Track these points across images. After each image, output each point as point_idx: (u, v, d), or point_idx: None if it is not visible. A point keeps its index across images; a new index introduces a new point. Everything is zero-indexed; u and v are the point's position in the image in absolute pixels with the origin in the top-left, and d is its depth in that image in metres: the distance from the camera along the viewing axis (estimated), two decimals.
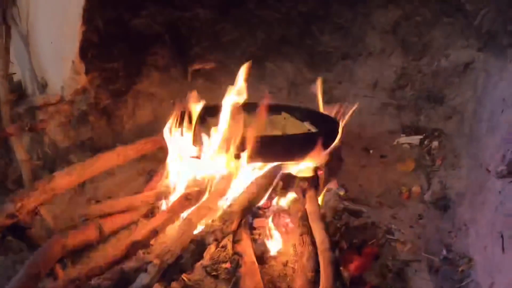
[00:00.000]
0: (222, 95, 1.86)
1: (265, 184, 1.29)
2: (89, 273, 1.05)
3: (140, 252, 1.16)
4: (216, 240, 1.13)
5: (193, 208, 1.24)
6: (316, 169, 1.44)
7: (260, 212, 1.35)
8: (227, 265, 1.13)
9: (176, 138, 1.41)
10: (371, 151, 1.82)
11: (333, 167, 1.57)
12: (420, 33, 1.84)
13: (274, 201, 1.38)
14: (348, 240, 1.27)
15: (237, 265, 1.11)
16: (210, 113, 1.43)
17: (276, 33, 1.98)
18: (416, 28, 1.84)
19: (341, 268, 1.12)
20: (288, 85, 2.01)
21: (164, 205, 1.35)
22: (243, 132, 1.31)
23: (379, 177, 1.68)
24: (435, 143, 1.77)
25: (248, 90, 1.89)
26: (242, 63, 1.90)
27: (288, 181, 1.38)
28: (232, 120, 1.28)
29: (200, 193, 1.28)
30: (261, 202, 1.35)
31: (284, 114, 1.63)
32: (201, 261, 1.10)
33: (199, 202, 1.26)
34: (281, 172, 1.37)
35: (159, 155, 1.68)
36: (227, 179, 1.28)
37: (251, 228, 1.31)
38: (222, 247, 1.17)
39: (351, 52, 1.93)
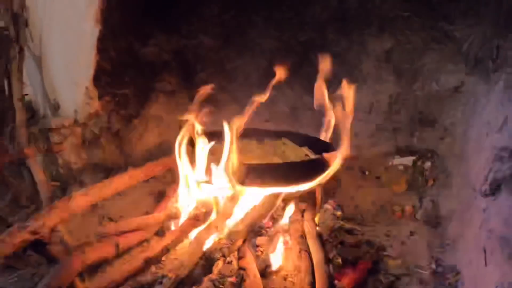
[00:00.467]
0: (225, 119, 2.00)
1: (267, 205, 1.40)
2: (107, 286, 1.15)
3: (153, 267, 1.27)
4: (223, 256, 1.22)
5: (201, 227, 1.34)
6: (314, 191, 1.54)
7: (263, 231, 1.44)
8: (233, 279, 1.21)
9: (185, 163, 1.50)
10: (366, 173, 1.90)
11: (330, 188, 1.69)
12: (412, 60, 1.94)
13: (276, 221, 1.47)
14: (343, 257, 1.33)
15: (241, 279, 1.19)
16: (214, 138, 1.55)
17: (277, 61, 1.93)
18: (408, 55, 1.94)
19: (335, 281, 1.22)
20: (289, 110, 2.09)
21: (173, 225, 1.45)
22: (244, 160, 1.42)
23: (374, 197, 1.77)
24: (427, 164, 1.85)
25: (251, 114, 2.05)
26: (245, 89, 2.05)
27: (288, 202, 1.48)
28: (232, 148, 1.36)
29: (208, 214, 1.39)
30: (264, 222, 1.44)
31: (284, 140, 1.71)
32: (209, 275, 1.18)
33: (207, 222, 1.37)
34: (282, 194, 1.46)
35: (167, 176, 1.81)
36: (232, 202, 1.37)
37: (254, 245, 1.40)
38: (228, 262, 1.26)
39: (348, 78, 1.85)
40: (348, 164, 1.88)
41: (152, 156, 1.93)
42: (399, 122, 1.97)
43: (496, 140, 1.44)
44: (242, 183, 1.38)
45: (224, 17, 2.11)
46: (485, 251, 1.22)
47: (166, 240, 1.29)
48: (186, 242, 1.35)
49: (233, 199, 1.38)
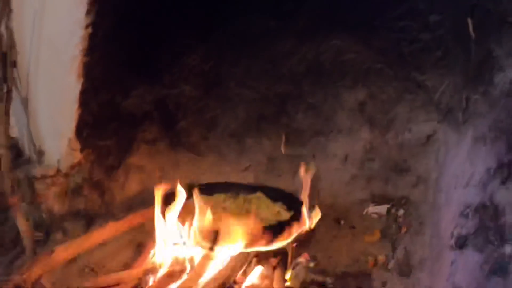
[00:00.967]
0: (204, 167, 2.07)
1: (239, 262, 1.42)
2: None
3: None
4: None
5: (176, 284, 1.36)
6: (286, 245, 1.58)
7: (235, 286, 1.45)
8: None
9: (161, 223, 1.55)
10: (342, 222, 1.92)
11: (305, 239, 1.68)
12: (385, 110, 2.01)
13: (247, 277, 1.49)
14: None
15: None
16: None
17: (255, 111, 2.14)
18: (381, 106, 2.02)
19: None
20: (266, 160, 2.12)
21: (151, 280, 1.45)
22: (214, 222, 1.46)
23: (347, 247, 1.79)
24: (401, 211, 1.89)
25: (229, 164, 2.13)
26: (224, 138, 2.12)
27: (261, 257, 1.51)
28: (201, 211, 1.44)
29: (182, 271, 1.40)
30: (236, 278, 1.46)
31: (259, 194, 1.75)
32: None
33: (181, 280, 1.39)
34: (254, 251, 1.50)
35: (147, 226, 1.78)
36: (205, 260, 1.40)
37: None
38: None
39: (323, 129, 2.07)
40: (323, 214, 1.96)
41: (133, 203, 1.98)
42: (374, 170, 2.02)
43: (462, 196, 1.49)
44: (214, 242, 1.42)
45: (205, 67, 2.16)
46: None
47: None
48: None
49: (206, 257, 1.41)
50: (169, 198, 1.57)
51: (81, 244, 1.56)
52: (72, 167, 1.82)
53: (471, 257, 1.30)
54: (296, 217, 1.61)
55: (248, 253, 1.50)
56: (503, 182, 1.28)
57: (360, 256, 1.75)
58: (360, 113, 2.04)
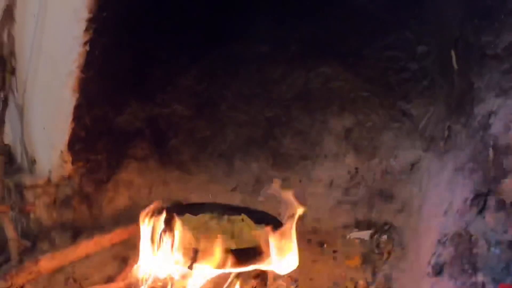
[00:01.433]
0: (193, 186, 2.12)
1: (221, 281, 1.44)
2: None
3: None
4: None
5: None
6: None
7: None
8: None
9: (146, 239, 1.53)
10: (324, 246, 1.92)
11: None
12: (371, 137, 2.06)
13: None
14: None
15: None
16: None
17: (244, 134, 2.18)
18: (367, 133, 2.06)
19: None
20: (254, 182, 2.14)
21: None
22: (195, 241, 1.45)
23: (329, 271, 1.78)
24: (384, 237, 1.90)
25: (217, 184, 2.15)
26: (213, 159, 2.15)
27: (241, 278, 1.49)
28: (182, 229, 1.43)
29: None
30: None
31: (243, 216, 1.72)
32: None
33: None
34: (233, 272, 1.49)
35: (132, 241, 1.86)
36: (185, 278, 1.40)
37: None
38: None
39: (309, 154, 2.10)
40: (307, 237, 1.95)
41: (121, 218, 1.97)
42: (359, 196, 2.04)
43: (440, 224, 1.52)
44: (193, 261, 1.40)
45: (197, 88, 2.22)
46: None
47: None
48: None
49: (185, 276, 1.41)
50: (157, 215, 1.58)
51: (67, 254, 1.57)
52: (63, 178, 1.82)
53: (446, 285, 1.32)
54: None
55: (228, 274, 1.48)
56: (479, 213, 1.31)
57: (340, 280, 1.74)
58: (346, 139, 2.07)
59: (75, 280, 1.66)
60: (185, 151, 2.21)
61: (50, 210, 1.85)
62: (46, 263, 1.49)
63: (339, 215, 2.06)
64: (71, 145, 1.78)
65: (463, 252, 1.28)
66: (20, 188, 1.84)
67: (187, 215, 1.65)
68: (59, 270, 1.63)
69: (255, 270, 1.52)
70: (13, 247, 1.66)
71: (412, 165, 1.94)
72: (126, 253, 1.79)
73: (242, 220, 1.76)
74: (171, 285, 1.44)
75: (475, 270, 1.21)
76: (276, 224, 1.69)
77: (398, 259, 1.78)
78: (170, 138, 2.19)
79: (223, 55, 2.16)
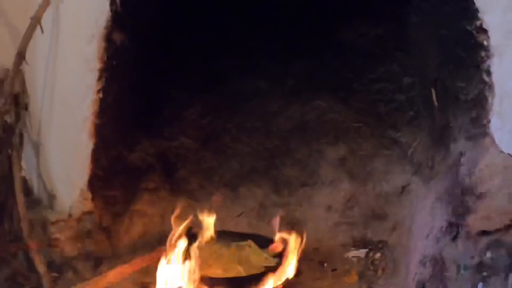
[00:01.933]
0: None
1: None
2: None
3: None
4: None
5: None
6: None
7: None
8: None
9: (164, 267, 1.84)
10: (325, 265, 2.17)
11: (290, 281, 1.92)
12: (364, 164, 2.28)
13: None
14: None
15: None
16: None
17: (247, 164, 2.41)
18: (360, 160, 2.29)
19: None
20: (258, 207, 2.37)
21: None
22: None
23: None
24: (378, 254, 2.14)
25: (224, 210, 2.40)
26: (220, 187, 2.41)
27: None
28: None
29: None
30: None
31: (249, 242, 2.01)
32: None
33: None
34: None
35: (150, 268, 2.02)
36: None
37: None
38: None
39: (308, 181, 2.33)
40: (309, 257, 2.17)
41: (137, 245, 2.21)
42: (355, 217, 2.27)
43: (423, 245, 1.77)
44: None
45: (202, 122, 2.44)
46: None
47: None
48: None
49: None
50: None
51: (96, 284, 1.83)
52: (84, 213, 2.06)
53: None
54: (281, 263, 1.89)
55: None
56: (452, 240, 1.55)
57: None
58: (341, 167, 2.31)
59: None
60: (193, 180, 2.43)
61: (73, 242, 2.08)
62: None
63: (338, 235, 2.28)
64: (90, 184, 2.02)
65: (437, 274, 1.53)
66: (43, 223, 2.07)
67: (202, 244, 1.91)
68: None
69: None
70: (45, 280, 1.90)
71: (403, 187, 2.18)
72: (145, 279, 2.04)
73: (249, 246, 2.04)
74: None
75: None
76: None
77: (391, 275, 2.02)
78: (179, 169, 2.43)
79: (225, 91, 2.38)
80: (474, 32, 1.50)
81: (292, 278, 1.90)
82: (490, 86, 1.49)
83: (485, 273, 1.37)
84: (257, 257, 1.97)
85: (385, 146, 2.26)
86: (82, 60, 1.94)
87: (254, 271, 1.87)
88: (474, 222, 1.42)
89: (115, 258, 2.14)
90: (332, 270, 2.17)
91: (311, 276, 2.13)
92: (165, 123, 2.40)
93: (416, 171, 2.12)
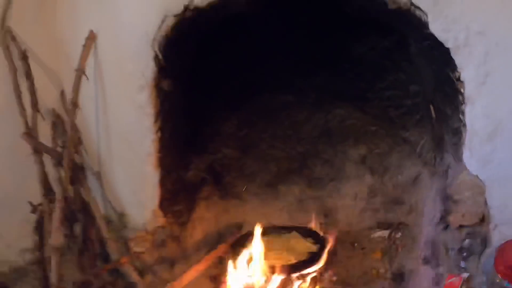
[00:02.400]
0: (248, 211, 3.32)
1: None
2: None
3: None
4: None
5: None
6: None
7: None
8: None
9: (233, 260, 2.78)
10: (355, 245, 3.12)
11: (330, 260, 2.87)
12: (381, 161, 3.25)
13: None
14: None
15: None
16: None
17: (283, 166, 3.39)
18: (378, 158, 3.26)
19: None
20: (296, 201, 3.35)
21: None
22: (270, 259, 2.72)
23: (359, 264, 2.97)
24: (398, 234, 3.07)
25: (267, 206, 3.40)
26: (262, 187, 3.37)
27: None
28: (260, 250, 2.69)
29: None
30: None
31: (293, 233, 2.96)
32: None
33: None
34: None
35: (216, 262, 3.03)
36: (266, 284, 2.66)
37: None
38: None
39: (336, 177, 3.34)
40: (342, 239, 3.11)
41: (199, 245, 3.21)
42: (377, 204, 3.23)
43: (427, 231, 2.73)
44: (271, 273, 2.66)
45: (240, 134, 3.40)
46: None
47: None
48: None
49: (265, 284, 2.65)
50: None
51: (182, 282, 2.75)
52: (157, 228, 3.02)
53: (428, 271, 2.55)
54: (321, 248, 2.85)
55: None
56: (444, 229, 2.51)
57: (367, 269, 2.98)
58: (362, 163, 3.29)
59: None
60: (238, 184, 3.42)
61: (151, 251, 3.04)
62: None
63: (364, 219, 3.24)
64: (161, 205, 2.97)
65: (434, 253, 2.51)
66: (125, 240, 3.06)
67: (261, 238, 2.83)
68: None
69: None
70: (140, 286, 2.88)
71: (415, 178, 3.07)
72: (214, 272, 3.01)
73: (294, 236, 3.02)
74: None
75: (438, 264, 2.44)
76: (316, 236, 2.98)
77: (409, 250, 2.96)
78: (225, 176, 3.42)
79: (256, 105, 3.33)
80: (454, 80, 2.26)
81: (330, 257, 2.88)
82: (464, 125, 2.27)
83: (464, 254, 2.35)
84: (301, 245, 2.93)
85: (398, 144, 3.17)
86: (136, 106, 2.76)
87: (301, 258, 2.76)
88: (454, 219, 2.38)
89: (184, 259, 3.13)
90: (361, 249, 3.15)
91: (345, 255, 3.11)
92: (208, 140, 3.37)
93: (424, 164, 3.03)
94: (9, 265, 3.08)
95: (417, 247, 2.92)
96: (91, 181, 3.07)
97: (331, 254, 2.89)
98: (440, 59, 2.35)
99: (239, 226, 3.27)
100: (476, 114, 2.26)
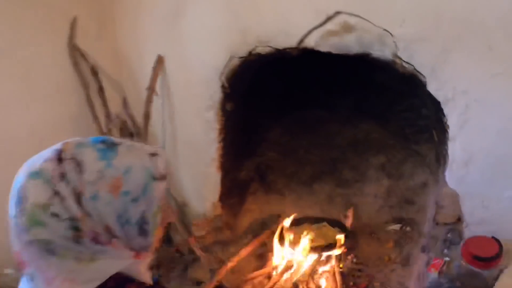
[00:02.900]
0: (287, 204, 4.48)
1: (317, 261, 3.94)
2: None
3: None
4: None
5: (289, 273, 3.89)
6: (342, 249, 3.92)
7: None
8: None
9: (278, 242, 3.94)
10: (373, 235, 4.11)
11: (352, 247, 4.00)
12: (397, 168, 4.21)
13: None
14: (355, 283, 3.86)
15: None
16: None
17: (317, 169, 4.51)
18: (394, 166, 4.24)
19: None
20: (327, 198, 4.41)
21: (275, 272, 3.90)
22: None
23: (375, 250, 3.97)
24: (408, 228, 3.98)
25: (303, 201, 4.67)
26: (299, 185, 4.48)
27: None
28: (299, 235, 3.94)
29: (291, 267, 3.91)
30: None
31: (324, 223, 4.03)
32: None
33: (292, 270, 3.92)
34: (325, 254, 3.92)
35: (263, 245, 4.26)
36: (302, 261, 3.88)
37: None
38: None
39: (360, 179, 4.37)
40: (362, 230, 4.18)
41: (247, 232, 4.40)
42: (392, 202, 4.19)
43: (429, 226, 4.19)
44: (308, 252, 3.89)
45: (282, 141, 4.58)
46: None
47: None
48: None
49: (302, 260, 3.83)
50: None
51: (237, 258, 4.05)
52: (215, 216, 4.25)
53: (424, 257, 4.03)
54: (346, 236, 4.00)
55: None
56: (435, 225, 4.02)
57: (382, 255, 3.95)
58: (382, 170, 4.35)
59: (236, 271, 4.12)
60: (279, 182, 4.57)
61: (210, 235, 4.31)
62: (231, 264, 4.01)
63: (382, 215, 4.23)
64: (220, 198, 4.22)
65: (428, 243, 4.00)
66: (187, 226, 4.44)
67: (300, 226, 4.01)
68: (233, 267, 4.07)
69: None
70: (205, 263, 4.13)
71: (424, 184, 3.98)
72: (261, 251, 4.13)
73: (325, 226, 4.17)
74: (298, 266, 3.81)
75: (429, 251, 3.90)
76: (342, 226, 4.15)
77: (416, 242, 4.00)
78: (269, 175, 4.61)
79: (297, 118, 4.54)
80: (444, 123, 3.04)
81: (351, 245, 4.09)
82: (447, 154, 3.15)
83: (447, 244, 3.79)
84: (330, 233, 4.08)
85: (411, 156, 4.19)
86: (204, 121, 3.99)
87: (330, 241, 3.85)
88: (440, 218, 3.71)
89: (235, 242, 4.37)
90: (378, 239, 4.23)
91: (364, 243, 4.14)
92: (256, 145, 4.58)
93: (430, 173, 3.86)
94: None
95: (421, 239, 4.06)
96: None
97: (353, 241, 4.11)
98: (435, 107, 3.20)
99: (279, 217, 4.34)
100: (456, 147, 3.12)
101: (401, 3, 3.06)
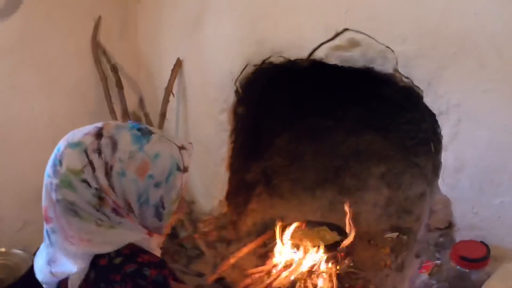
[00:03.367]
0: (290, 208, 4.88)
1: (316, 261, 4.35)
2: None
3: None
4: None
5: (288, 270, 4.27)
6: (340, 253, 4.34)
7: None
8: None
9: (279, 242, 4.33)
10: (371, 242, 4.30)
11: (349, 250, 4.31)
12: (396, 178, 4.43)
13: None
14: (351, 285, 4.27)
15: None
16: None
17: (321, 175, 4.77)
18: (394, 176, 4.47)
19: None
20: (328, 204, 4.68)
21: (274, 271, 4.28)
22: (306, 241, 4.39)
23: (372, 256, 4.17)
24: (405, 236, 4.15)
25: (305, 206, 5.12)
26: (302, 191, 4.91)
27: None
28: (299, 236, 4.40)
29: (290, 265, 4.24)
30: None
31: (324, 227, 4.33)
32: None
33: (291, 268, 4.29)
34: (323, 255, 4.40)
35: (264, 244, 4.67)
36: (301, 261, 4.24)
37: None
38: None
39: (361, 188, 4.59)
40: (361, 236, 4.34)
41: (250, 231, 4.70)
42: (391, 211, 4.38)
43: (422, 233, 4.68)
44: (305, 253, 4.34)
45: (289, 147, 4.94)
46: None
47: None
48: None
49: (302, 259, 4.20)
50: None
51: (237, 255, 4.48)
52: (221, 214, 4.64)
53: (417, 262, 4.50)
54: (343, 239, 4.15)
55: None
56: (428, 231, 4.50)
57: (378, 260, 4.13)
58: (382, 179, 4.58)
59: (237, 267, 4.48)
60: (284, 186, 4.86)
61: (214, 232, 4.71)
62: (231, 261, 4.45)
63: (380, 223, 4.42)
64: (227, 197, 4.63)
65: (422, 248, 4.46)
66: (194, 222, 4.86)
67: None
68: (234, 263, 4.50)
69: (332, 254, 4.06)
70: (207, 254, 4.55)
71: (421, 194, 4.15)
72: (263, 251, 4.43)
73: (324, 229, 4.53)
74: (297, 264, 4.18)
75: (419, 256, 4.37)
76: (341, 230, 4.50)
77: (411, 249, 4.23)
78: (274, 179, 4.99)
79: (304, 126, 4.92)
80: (438, 133, 3.30)
81: (350, 249, 4.45)
82: (441, 163, 3.39)
83: (439, 248, 4.19)
84: (329, 236, 4.42)
85: (410, 167, 4.40)
86: (217, 123, 4.29)
87: (327, 243, 4.08)
88: (432, 223, 4.07)
89: (238, 240, 4.71)
90: (375, 245, 4.35)
91: (362, 248, 4.30)
92: (264, 149, 4.98)
93: (428, 184, 3.98)
94: None
95: (416, 247, 4.59)
96: None
97: (351, 245, 4.42)
98: (431, 119, 3.48)
99: (282, 219, 4.51)
100: (448, 156, 3.39)
101: (404, 24, 3.41)
